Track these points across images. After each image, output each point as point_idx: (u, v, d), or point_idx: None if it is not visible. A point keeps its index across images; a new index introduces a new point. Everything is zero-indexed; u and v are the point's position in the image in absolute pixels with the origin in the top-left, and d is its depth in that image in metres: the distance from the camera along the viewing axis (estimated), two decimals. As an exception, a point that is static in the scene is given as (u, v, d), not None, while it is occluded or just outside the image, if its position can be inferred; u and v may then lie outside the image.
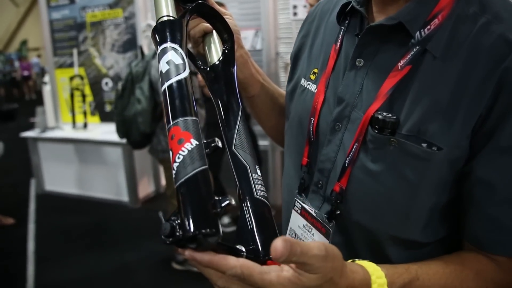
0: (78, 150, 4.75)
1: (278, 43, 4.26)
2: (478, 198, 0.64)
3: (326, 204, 0.76)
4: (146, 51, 3.58)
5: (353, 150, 0.70)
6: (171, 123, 0.54)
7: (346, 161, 0.71)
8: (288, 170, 0.89)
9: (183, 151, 0.51)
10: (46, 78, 5.31)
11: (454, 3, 0.65)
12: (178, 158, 0.51)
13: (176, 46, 0.61)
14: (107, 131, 4.49)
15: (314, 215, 0.77)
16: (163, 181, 4.63)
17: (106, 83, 4.72)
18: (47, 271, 3.33)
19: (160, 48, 0.62)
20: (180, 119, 0.54)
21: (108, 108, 4.76)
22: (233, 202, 0.50)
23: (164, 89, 0.58)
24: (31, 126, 5.40)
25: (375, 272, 0.59)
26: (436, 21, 0.65)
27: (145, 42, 4.28)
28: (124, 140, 3.12)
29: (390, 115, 0.66)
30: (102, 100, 4.79)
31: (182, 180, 0.49)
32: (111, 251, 3.61)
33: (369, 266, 0.60)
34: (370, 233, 0.71)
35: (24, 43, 16.35)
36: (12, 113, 4.53)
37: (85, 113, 4.79)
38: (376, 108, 0.67)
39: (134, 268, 3.32)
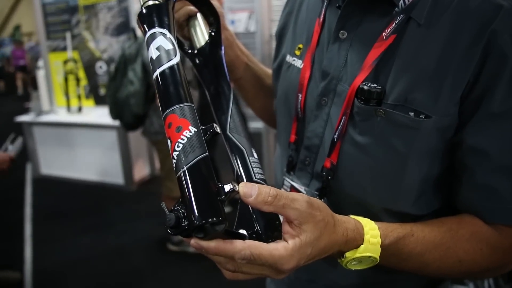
0: (73, 133, 4.74)
1: (272, 25, 4.23)
2: (472, 167, 0.63)
3: (314, 181, 0.76)
4: (138, 33, 3.56)
5: (341, 124, 0.69)
6: (167, 111, 0.53)
7: (335, 136, 0.70)
8: (278, 148, 0.89)
9: (183, 139, 0.50)
10: (40, 63, 5.27)
11: None
12: (178, 146, 0.49)
13: (165, 31, 0.59)
14: (102, 114, 4.47)
15: (304, 192, 0.76)
16: (158, 164, 4.66)
17: (100, 67, 4.69)
18: (44, 253, 3.35)
19: (148, 34, 0.60)
20: (176, 106, 0.53)
21: (102, 91, 4.73)
22: (237, 188, 0.49)
23: (156, 76, 0.56)
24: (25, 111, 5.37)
25: (368, 223, 0.60)
26: None
27: (139, 24, 4.25)
28: (119, 123, 3.11)
29: (375, 85, 0.65)
30: (96, 84, 4.77)
31: (184, 168, 0.48)
32: (107, 233, 3.63)
33: (361, 218, 0.61)
34: (362, 207, 0.71)
35: (17, 28, 16.10)
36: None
37: (79, 97, 4.76)
38: (361, 79, 0.66)
39: (130, 250, 3.35)
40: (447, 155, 0.66)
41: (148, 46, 0.59)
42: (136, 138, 4.38)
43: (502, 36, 0.58)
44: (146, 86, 2.75)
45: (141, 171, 4.81)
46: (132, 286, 2.89)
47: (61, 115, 4.89)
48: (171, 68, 0.56)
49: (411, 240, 0.63)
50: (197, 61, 0.77)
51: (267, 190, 0.49)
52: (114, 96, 2.86)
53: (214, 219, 0.45)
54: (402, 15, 0.63)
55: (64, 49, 4.80)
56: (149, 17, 0.61)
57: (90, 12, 4.61)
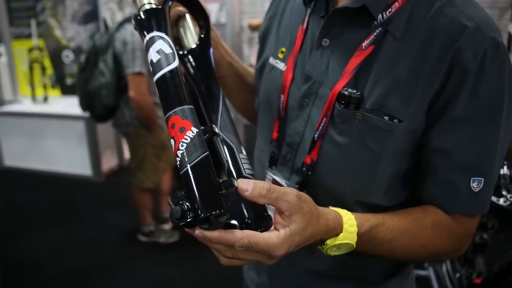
0: (38, 124, 4.63)
1: (243, 17, 4.26)
2: (435, 164, 0.71)
3: (294, 175, 0.82)
4: (109, 23, 3.52)
5: (322, 124, 0.75)
6: (170, 112, 0.57)
7: (316, 135, 0.76)
8: (259, 144, 0.95)
9: (186, 139, 0.54)
10: (2, 49, 5.10)
11: None
12: (182, 145, 0.54)
13: (163, 35, 0.62)
14: (69, 104, 4.41)
15: (285, 186, 0.82)
16: (127, 154, 4.62)
17: (67, 55, 4.59)
18: (11, 247, 3.28)
19: (147, 37, 0.62)
20: (178, 109, 0.56)
21: (69, 81, 4.64)
22: (236, 183, 0.53)
23: (158, 79, 0.59)
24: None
25: (346, 214, 0.67)
26: (396, 4, 0.70)
27: (108, 14, 4.19)
28: (86, 114, 3.08)
29: (355, 91, 0.71)
30: (63, 73, 4.66)
31: (188, 166, 0.52)
32: (76, 225, 3.59)
33: (340, 210, 0.68)
34: (338, 199, 0.77)
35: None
36: None
37: (45, 86, 4.66)
38: (342, 85, 0.72)
39: (100, 241, 3.33)
40: (414, 154, 0.74)
41: (147, 49, 0.62)
42: (104, 128, 4.34)
43: (465, 53, 0.65)
44: (117, 77, 2.73)
45: (109, 162, 4.76)
46: (103, 277, 2.89)
47: (25, 105, 4.77)
48: (171, 71, 0.60)
49: (382, 228, 0.70)
50: (187, 62, 0.80)
51: (262, 185, 0.55)
52: (84, 88, 2.82)
53: (217, 211, 0.50)
54: (380, 28, 0.70)
55: (29, 36, 4.66)
56: (148, 21, 0.64)
57: (56, -1, 4.50)
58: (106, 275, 2.91)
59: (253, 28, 4.40)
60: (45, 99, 4.68)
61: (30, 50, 4.59)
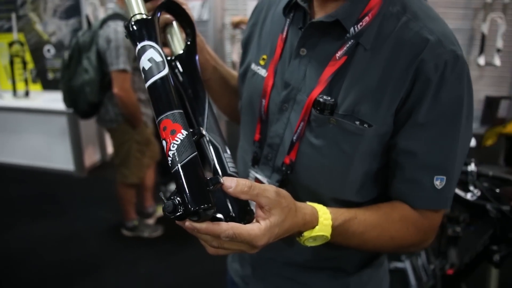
0: (20, 119, 4.60)
1: (225, 14, 4.29)
2: (402, 164, 0.78)
3: (275, 173, 0.89)
4: (91, 19, 3.51)
5: (299, 128, 0.82)
6: (162, 116, 0.61)
7: (294, 137, 0.83)
8: (243, 144, 1.01)
9: (177, 140, 0.58)
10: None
11: (382, 3, 0.76)
12: (173, 146, 0.58)
13: (154, 44, 0.67)
14: (51, 99, 4.39)
15: (267, 183, 0.87)
16: (109, 150, 4.62)
17: (48, 50, 4.56)
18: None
19: (139, 46, 0.67)
20: (169, 113, 0.61)
21: (51, 75, 4.62)
22: (221, 181, 0.59)
23: (149, 86, 0.64)
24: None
25: (321, 209, 0.74)
26: (367, 18, 0.76)
27: (89, 9, 4.17)
28: (70, 110, 3.08)
29: (329, 98, 0.77)
30: (44, 68, 4.63)
31: (179, 165, 0.57)
32: (59, 220, 3.60)
33: (316, 205, 0.74)
34: (314, 196, 0.83)
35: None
36: None
37: (26, 81, 4.62)
38: (318, 92, 0.78)
39: (84, 236, 3.35)
40: (384, 154, 0.81)
41: (139, 57, 0.67)
42: (86, 124, 4.33)
43: (428, 64, 0.72)
44: (101, 74, 2.74)
45: (91, 157, 4.75)
46: (88, 273, 2.91)
47: (6, 100, 4.71)
48: (161, 78, 0.64)
49: (354, 222, 0.77)
50: (175, 67, 0.85)
51: (244, 182, 0.61)
52: (68, 85, 2.83)
53: (206, 205, 0.56)
54: (352, 41, 0.77)
55: (8, 30, 4.61)
56: (139, 31, 0.68)
57: (37, -7, 4.45)
58: (90, 270, 2.93)
59: (235, 25, 4.44)
60: (27, 93, 4.63)
61: (11, 44, 4.54)
